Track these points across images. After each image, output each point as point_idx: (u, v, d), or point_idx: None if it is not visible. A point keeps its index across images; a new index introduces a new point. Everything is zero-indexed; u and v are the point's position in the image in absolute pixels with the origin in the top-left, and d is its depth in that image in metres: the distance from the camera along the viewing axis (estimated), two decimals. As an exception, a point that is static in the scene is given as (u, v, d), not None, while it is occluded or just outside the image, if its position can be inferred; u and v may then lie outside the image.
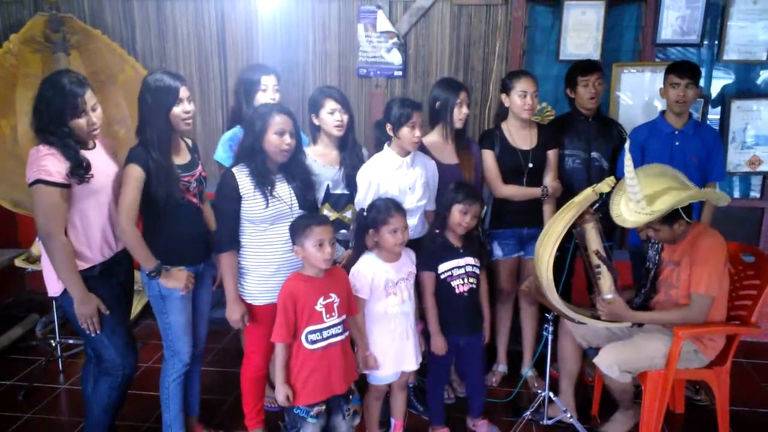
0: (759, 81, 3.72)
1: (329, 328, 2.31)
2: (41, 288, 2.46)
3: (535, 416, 2.89)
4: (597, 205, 2.59)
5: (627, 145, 2.48)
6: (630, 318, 2.64)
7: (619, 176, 2.65)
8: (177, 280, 2.39)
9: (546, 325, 2.78)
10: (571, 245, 2.80)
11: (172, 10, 4.01)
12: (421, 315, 2.69)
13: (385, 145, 2.77)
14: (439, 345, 2.65)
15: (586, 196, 2.53)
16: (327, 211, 2.75)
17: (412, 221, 2.71)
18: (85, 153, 2.26)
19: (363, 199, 2.68)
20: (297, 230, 2.31)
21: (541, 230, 2.69)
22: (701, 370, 2.65)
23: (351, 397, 2.45)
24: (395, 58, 3.88)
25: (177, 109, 2.34)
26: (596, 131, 3.18)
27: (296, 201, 2.48)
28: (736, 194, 3.85)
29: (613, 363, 2.55)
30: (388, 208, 2.46)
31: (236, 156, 2.53)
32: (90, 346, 2.47)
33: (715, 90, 3.74)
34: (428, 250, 2.69)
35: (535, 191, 3.02)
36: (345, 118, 2.75)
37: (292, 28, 3.95)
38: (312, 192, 2.62)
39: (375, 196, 2.65)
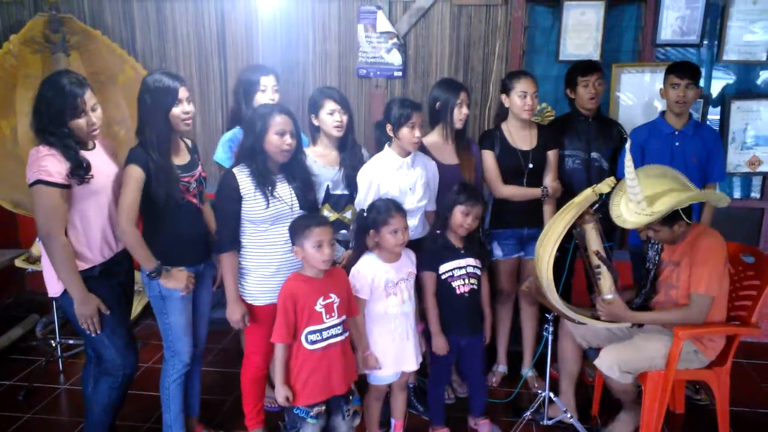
0: (759, 81, 3.72)
1: (329, 328, 2.32)
2: (41, 288, 2.46)
3: (535, 416, 2.89)
4: (597, 205, 2.59)
5: (627, 146, 2.48)
6: (630, 318, 2.64)
7: (619, 177, 2.65)
8: (177, 280, 2.40)
9: (546, 326, 2.78)
10: (571, 245, 2.79)
11: (172, 10, 4.01)
12: (422, 315, 2.70)
13: (386, 146, 2.77)
14: (440, 345, 2.65)
15: (586, 196, 2.53)
16: (327, 212, 2.75)
17: (413, 222, 2.72)
18: (85, 153, 2.26)
19: (363, 199, 2.68)
20: (296, 231, 2.31)
21: (541, 231, 2.69)
22: (701, 371, 2.65)
23: (351, 397, 2.45)
24: (395, 58, 3.87)
25: (176, 110, 2.34)
26: (596, 132, 3.18)
27: (297, 201, 2.48)
28: (736, 195, 3.84)
29: (613, 364, 2.55)
30: (388, 209, 2.46)
31: (237, 157, 2.54)
32: (90, 347, 2.47)
33: (715, 90, 3.73)
34: (429, 250, 2.69)
35: (535, 192, 3.02)
36: (344, 118, 2.75)
37: (292, 28, 3.95)
38: (312, 192, 2.62)
39: (375, 196, 2.65)
